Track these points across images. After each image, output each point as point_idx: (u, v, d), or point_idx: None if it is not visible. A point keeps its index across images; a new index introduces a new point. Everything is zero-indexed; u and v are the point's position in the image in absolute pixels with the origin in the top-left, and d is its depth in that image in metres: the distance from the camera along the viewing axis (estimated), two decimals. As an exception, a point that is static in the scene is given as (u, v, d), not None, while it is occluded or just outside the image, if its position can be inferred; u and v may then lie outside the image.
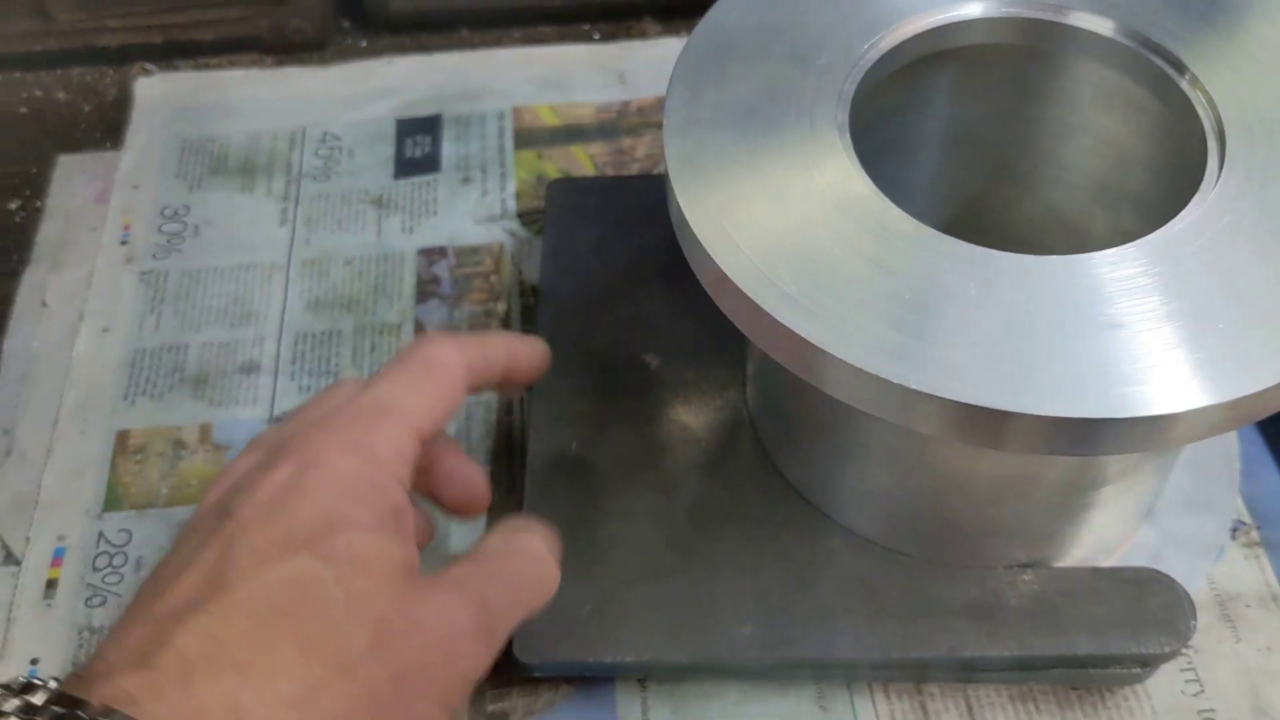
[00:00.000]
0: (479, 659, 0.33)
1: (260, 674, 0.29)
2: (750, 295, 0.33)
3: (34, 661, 0.46)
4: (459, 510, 0.41)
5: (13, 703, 0.28)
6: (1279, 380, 0.31)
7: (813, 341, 0.32)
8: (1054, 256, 0.34)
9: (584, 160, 0.62)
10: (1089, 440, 0.31)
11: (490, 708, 0.44)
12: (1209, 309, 0.32)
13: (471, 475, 0.41)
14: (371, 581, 0.31)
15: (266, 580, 0.30)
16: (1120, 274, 0.33)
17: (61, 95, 0.68)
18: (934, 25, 0.41)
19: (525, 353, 0.42)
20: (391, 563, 0.32)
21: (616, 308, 0.50)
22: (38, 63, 0.68)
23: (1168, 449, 0.37)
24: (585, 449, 0.46)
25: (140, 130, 0.64)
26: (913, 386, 0.31)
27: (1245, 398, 0.31)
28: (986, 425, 0.31)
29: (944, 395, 0.31)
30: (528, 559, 0.36)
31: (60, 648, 0.46)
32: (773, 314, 0.33)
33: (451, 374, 0.37)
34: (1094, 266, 0.34)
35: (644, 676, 0.44)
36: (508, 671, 0.44)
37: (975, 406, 0.31)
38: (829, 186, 0.36)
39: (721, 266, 0.34)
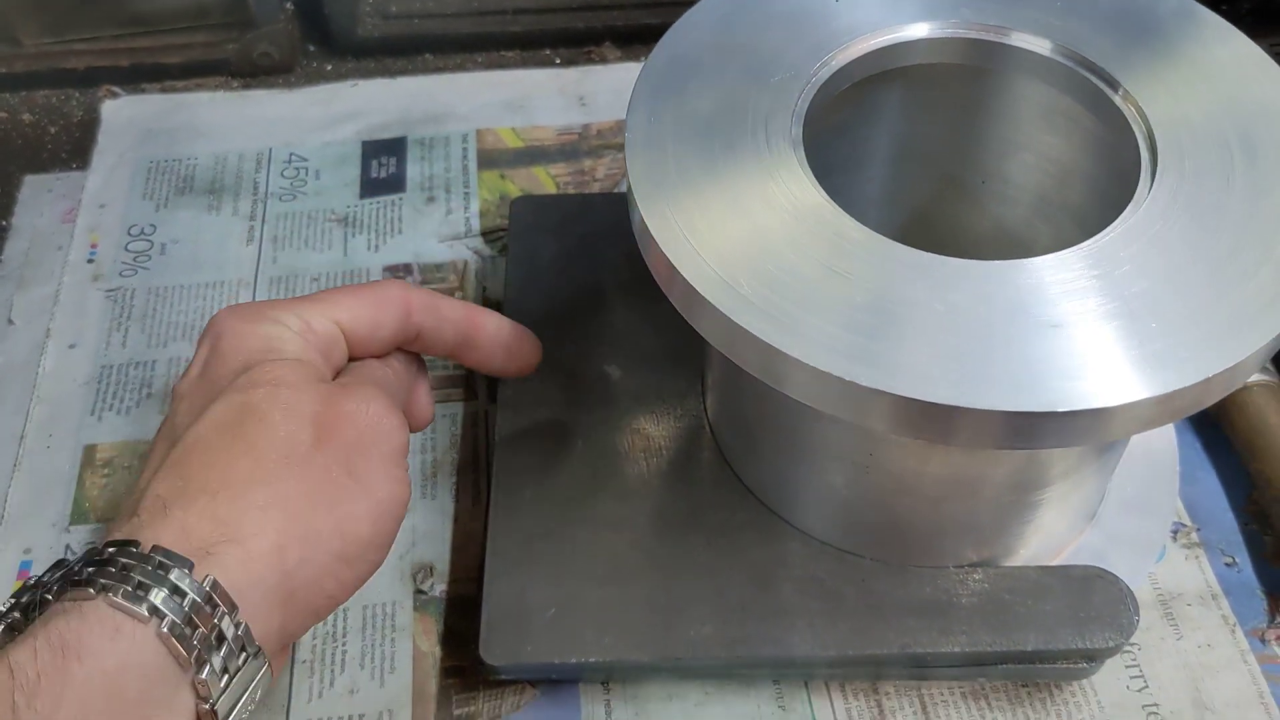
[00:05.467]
0: (402, 428, 0.38)
1: (227, 488, 0.33)
2: (712, 302, 0.34)
3: None
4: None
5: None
6: (1207, 376, 0.32)
7: (773, 344, 0.33)
8: (998, 262, 0.35)
9: (546, 180, 0.63)
10: (1031, 433, 0.33)
11: (457, 711, 0.44)
12: (1143, 309, 0.34)
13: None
14: (295, 391, 0.36)
15: (206, 421, 0.35)
16: (1060, 278, 0.35)
17: (27, 117, 0.68)
18: (881, 45, 0.42)
19: (489, 325, 0.43)
20: (309, 376, 0.37)
21: (579, 321, 0.52)
22: (3, 85, 0.68)
23: (1105, 441, 0.39)
24: (550, 458, 0.47)
25: (107, 151, 0.64)
26: (867, 385, 0.32)
27: (1176, 392, 0.32)
28: (936, 420, 0.33)
29: (896, 392, 0.32)
30: (381, 370, 0.41)
31: (27, 659, 0.46)
32: (734, 319, 0.34)
33: (389, 293, 0.41)
34: (1036, 271, 0.35)
35: (607, 679, 0.45)
36: (474, 675, 0.45)
37: (925, 402, 0.32)
38: (784, 197, 0.37)
39: (684, 275, 0.35)
